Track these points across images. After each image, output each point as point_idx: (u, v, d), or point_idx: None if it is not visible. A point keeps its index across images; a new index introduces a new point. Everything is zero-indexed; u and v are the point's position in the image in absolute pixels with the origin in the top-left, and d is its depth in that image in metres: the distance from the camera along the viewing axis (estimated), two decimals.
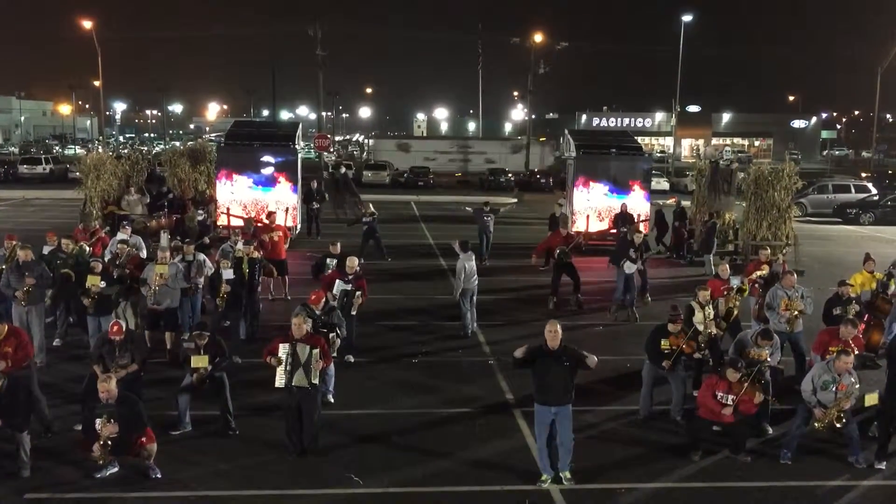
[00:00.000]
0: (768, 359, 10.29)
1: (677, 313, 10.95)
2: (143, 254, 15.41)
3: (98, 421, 8.45)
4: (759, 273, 13.82)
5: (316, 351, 9.31)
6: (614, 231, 21.49)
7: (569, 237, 17.26)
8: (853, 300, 12.43)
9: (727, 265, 13.65)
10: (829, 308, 12.38)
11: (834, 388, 9.35)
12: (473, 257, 14.89)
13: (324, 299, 11.51)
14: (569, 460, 8.94)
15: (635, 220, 22.39)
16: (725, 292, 12.41)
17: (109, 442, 8.45)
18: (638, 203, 23.99)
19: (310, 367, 9.25)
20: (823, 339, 10.78)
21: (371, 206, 22.29)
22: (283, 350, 9.31)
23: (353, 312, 12.86)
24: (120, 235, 15.76)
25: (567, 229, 17.46)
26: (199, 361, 9.91)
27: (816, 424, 9.43)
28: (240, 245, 14.35)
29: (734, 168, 23.95)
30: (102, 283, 12.37)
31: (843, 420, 9.29)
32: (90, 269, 12.55)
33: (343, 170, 26.38)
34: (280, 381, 9.33)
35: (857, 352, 10.41)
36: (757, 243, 21.87)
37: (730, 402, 9.44)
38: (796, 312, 11.89)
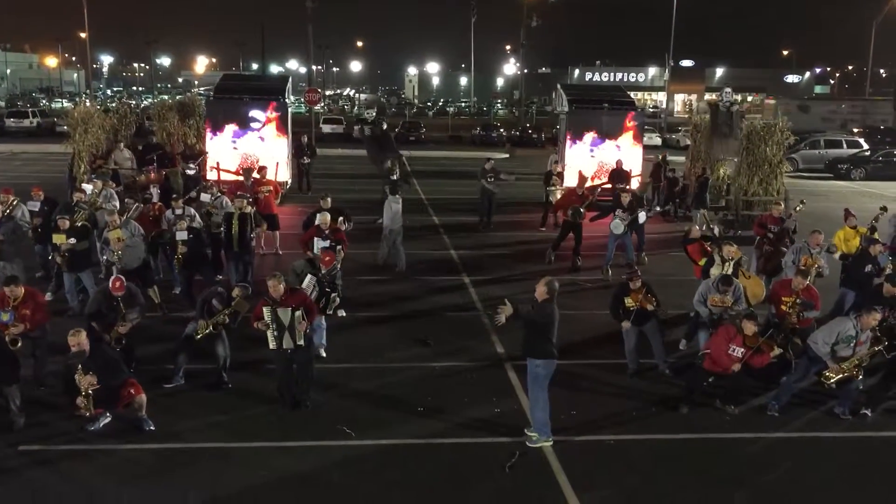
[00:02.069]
0: (733, 305, 10.42)
1: (634, 270, 11.10)
2: (115, 204, 15.21)
3: (76, 375, 8.47)
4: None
5: (298, 313, 9.31)
6: (609, 186, 21.42)
7: (583, 197, 16.96)
8: (889, 257, 12.29)
9: (697, 227, 13.70)
10: (860, 265, 12.21)
11: (853, 344, 9.43)
12: (400, 200, 16.45)
13: (335, 262, 11.53)
14: (533, 418, 8.97)
15: (629, 177, 22.30)
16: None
17: (91, 392, 8.48)
18: (630, 158, 23.89)
19: (294, 330, 9.30)
20: (776, 289, 10.94)
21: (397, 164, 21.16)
22: (267, 314, 9.34)
23: (338, 265, 12.86)
24: (86, 187, 15.55)
25: (582, 189, 17.22)
26: (243, 306, 10.12)
27: (828, 374, 9.49)
28: (226, 201, 14.33)
29: (735, 110, 23.69)
30: (72, 240, 12.28)
31: (860, 376, 9.40)
32: (56, 226, 12.45)
33: (385, 125, 25.45)
34: (272, 343, 9.40)
35: (804, 300, 10.53)
36: (748, 198, 21.96)
37: (740, 355, 9.51)
38: (816, 267, 11.71)
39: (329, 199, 14.76)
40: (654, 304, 10.82)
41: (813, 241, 12.31)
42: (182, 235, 13.08)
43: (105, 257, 12.58)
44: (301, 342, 9.38)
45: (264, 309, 9.35)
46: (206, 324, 10.00)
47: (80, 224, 12.73)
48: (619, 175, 21.84)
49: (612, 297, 11.08)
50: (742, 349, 9.51)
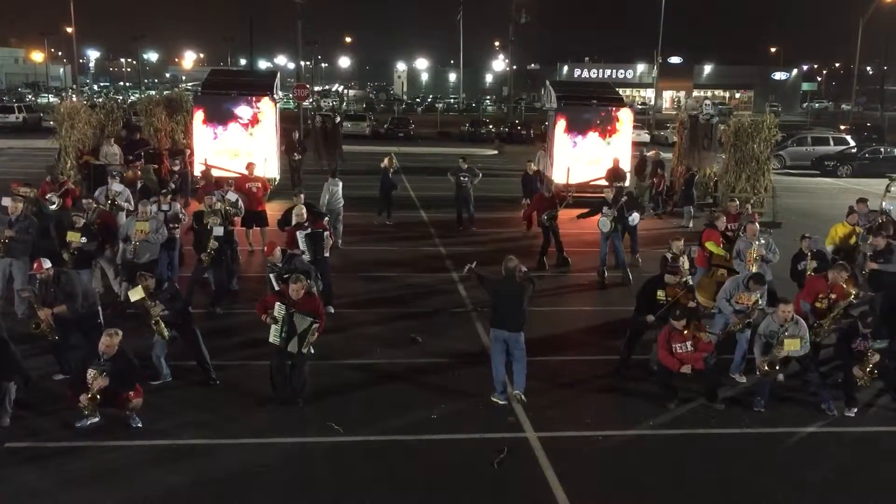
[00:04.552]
0: (760, 302, 10.41)
1: (676, 264, 10.92)
2: (131, 206, 15.23)
3: (91, 373, 8.44)
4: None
5: (316, 325, 9.33)
6: (605, 184, 21.39)
7: (553, 199, 16.72)
8: (812, 254, 12.43)
9: (723, 217, 13.67)
10: (795, 263, 12.40)
11: (780, 338, 9.51)
12: (340, 183, 17.80)
13: (278, 249, 11.46)
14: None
15: (626, 177, 22.27)
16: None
17: (98, 396, 8.47)
18: (619, 154, 23.91)
19: (305, 338, 9.31)
20: (815, 286, 10.76)
21: (395, 159, 20.72)
22: (279, 310, 9.30)
23: (327, 254, 12.82)
24: (116, 186, 15.56)
25: (550, 192, 17.04)
26: (135, 293, 9.78)
27: (758, 373, 9.67)
28: (218, 198, 14.21)
29: (715, 122, 23.91)
30: (83, 238, 12.22)
31: (776, 368, 9.52)
32: (70, 223, 12.35)
33: (338, 119, 25.54)
34: (274, 339, 9.37)
35: (851, 295, 10.55)
36: (735, 195, 22.06)
37: (689, 348, 9.60)
38: (756, 257, 11.86)
39: (302, 196, 14.42)
40: (695, 302, 10.71)
41: (749, 233, 12.24)
42: (219, 231, 12.96)
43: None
44: (304, 350, 9.38)
45: (277, 304, 9.33)
46: (147, 314, 9.84)
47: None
48: (616, 174, 21.78)
49: (645, 286, 10.86)
50: (688, 342, 9.60)
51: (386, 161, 20.71)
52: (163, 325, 9.81)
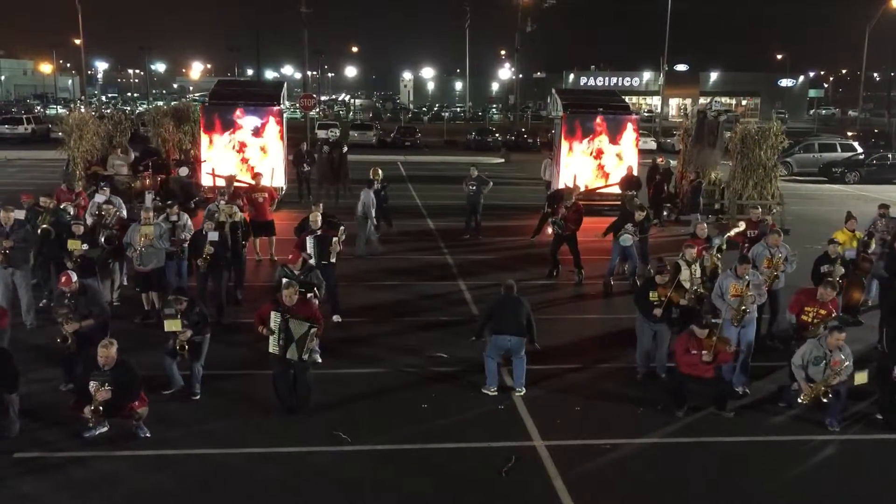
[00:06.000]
0: (752, 283, 10.40)
1: (664, 265, 10.95)
2: (123, 214, 15.25)
3: (92, 384, 8.45)
4: (737, 230, 13.96)
5: (314, 330, 9.30)
6: (610, 190, 21.30)
7: (571, 209, 16.13)
8: (840, 259, 12.43)
9: (705, 225, 13.65)
10: (818, 266, 12.32)
11: (824, 364, 9.40)
12: (371, 193, 17.74)
13: (301, 259, 11.49)
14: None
15: (641, 185, 22.23)
16: (704, 252, 12.43)
17: (101, 407, 8.47)
18: (627, 162, 23.90)
19: (304, 344, 9.28)
20: (800, 299, 10.72)
21: (380, 171, 20.10)
22: (274, 320, 9.29)
23: (333, 259, 12.82)
24: (98, 198, 15.51)
25: (571, 200, 16.45)
26: (172, 325, 9.72)
27: (801, 398, 9.50)
28: (222, 205, 14.25)
29: (721, 120, 23.81)
30: (84, 245, 12.25)
31: (829, 396, 9.33)
32: (71, 231, 12.41)
33: (346, 149, 25.34)
34: (273, 349, 9.36)
35: (833, 314, 10.45)
36: (742, 202, 22.01)
37: (709, 358, 9.54)
38: (776, 273, 11.78)
39: (321, 205, 14.50)
40: (686, 300, 10.69)
41: (771, 242, 12.10)
42: (213, 236, 12.97)
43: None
44: (305, 357, 9.37)
45: (272, 313, 9.32)
46: (179, 345, 9.80)
47: (43, 228, 12.77)
48: (630, 182, 21.76)
49: (639, 289, 11.09)
50: (705, 351, 9.55)
51: (371, 173, 20.02)
52: (186, 349, 9.77)
